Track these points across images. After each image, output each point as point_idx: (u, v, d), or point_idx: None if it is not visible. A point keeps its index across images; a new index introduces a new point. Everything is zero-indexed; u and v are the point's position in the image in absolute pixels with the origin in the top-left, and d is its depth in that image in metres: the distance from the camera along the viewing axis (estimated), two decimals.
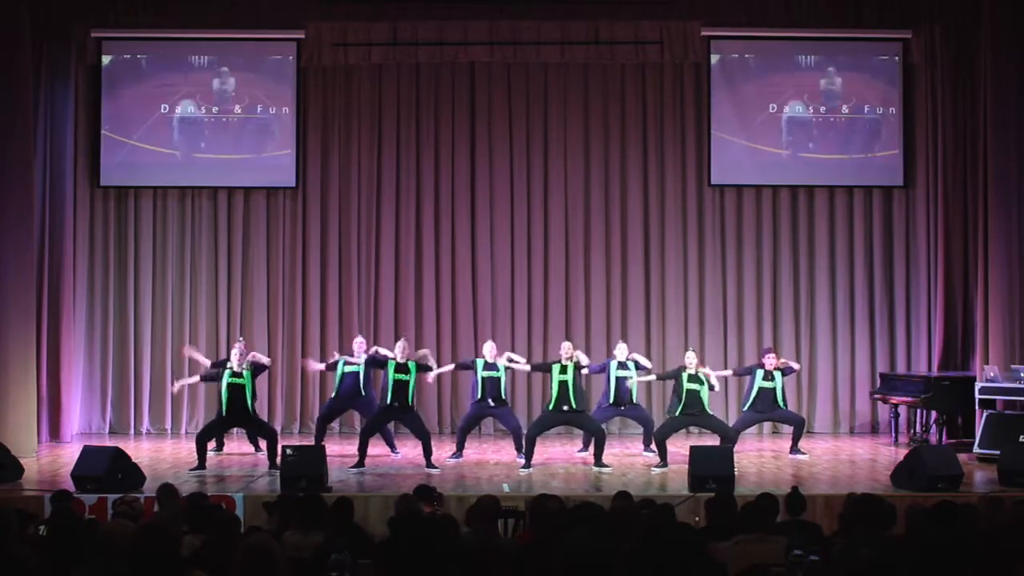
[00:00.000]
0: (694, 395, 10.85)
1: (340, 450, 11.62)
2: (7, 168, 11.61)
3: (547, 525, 5.57)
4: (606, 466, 10.54)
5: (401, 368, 10.64)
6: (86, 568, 4.43)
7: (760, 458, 11.41)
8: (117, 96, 13.61)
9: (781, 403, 11.39)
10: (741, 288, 13.80)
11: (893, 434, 12.66)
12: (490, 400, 11.02)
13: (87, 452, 9.50)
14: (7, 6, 11.72)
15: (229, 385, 10.61)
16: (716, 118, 13.69)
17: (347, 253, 13.72)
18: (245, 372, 10.68)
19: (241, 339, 12.07)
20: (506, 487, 9.47)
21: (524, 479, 10.03)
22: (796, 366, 11.96)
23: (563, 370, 10.58)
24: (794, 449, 11.49)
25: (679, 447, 11.00)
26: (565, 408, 10.57)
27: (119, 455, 9.40)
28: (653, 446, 11.15)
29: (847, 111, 13.79)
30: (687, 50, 13.45)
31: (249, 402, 10.70)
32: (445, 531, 4.96)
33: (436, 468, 10.44)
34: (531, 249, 13.79)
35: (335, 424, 12.84)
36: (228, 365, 10.74)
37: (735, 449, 10.36)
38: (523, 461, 10.64)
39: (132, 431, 13.43)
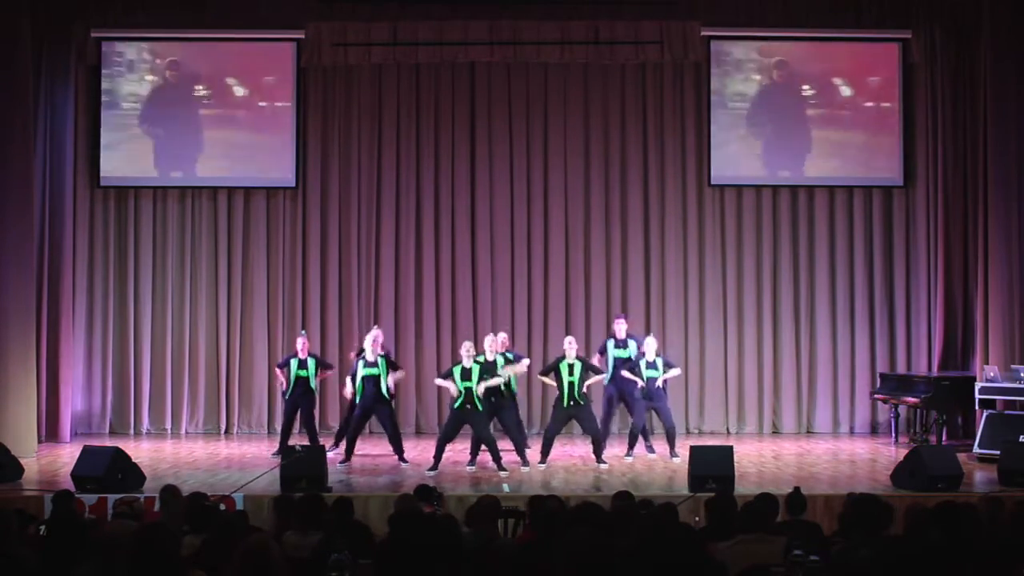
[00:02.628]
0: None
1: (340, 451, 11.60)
2: (7, 168, 11.61)
3: (547, 525, 5.57)
4: (604, 463, 10.67)
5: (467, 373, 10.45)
6: (86, 568, 4.43)
7: (760, 458, 11.40)
8: (117, 96, 13.61)
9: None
10: (741, 288, 13.80)
11: (893, 434, 12.65)
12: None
13: (87, 452, 9.50)
14: (7, 6, 11.72)
15: (364, 377, 10.76)
16: (716, 118, 13.70)
17: (347, 253, 13.71)
18: (380, 361, 10.81)
19: (376, 326, 11.77)
20: (506, 487, 9.48)
21: (525, 479, 10.03)
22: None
23: (570, 369, 10.70)
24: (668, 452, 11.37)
25: (679, 446, 11.05)
26: (571, 404, 10.70)
27: (119, 455, 9.40)
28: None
29: (847, 111, 13.79)
30: (687, 50, 13.44)
31: (384, 390, 10.76)
32: (445, 531, 4.95)
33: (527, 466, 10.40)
34: (531, 249, 13.78)
35: (335, 425, 12.76)
36: (362, 356, 10.86)
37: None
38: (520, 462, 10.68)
39: (132, 431, 13.43)
